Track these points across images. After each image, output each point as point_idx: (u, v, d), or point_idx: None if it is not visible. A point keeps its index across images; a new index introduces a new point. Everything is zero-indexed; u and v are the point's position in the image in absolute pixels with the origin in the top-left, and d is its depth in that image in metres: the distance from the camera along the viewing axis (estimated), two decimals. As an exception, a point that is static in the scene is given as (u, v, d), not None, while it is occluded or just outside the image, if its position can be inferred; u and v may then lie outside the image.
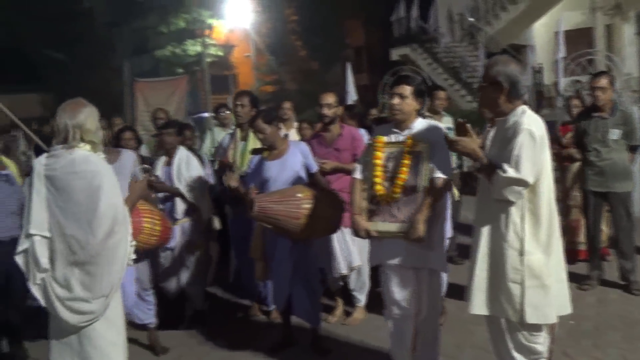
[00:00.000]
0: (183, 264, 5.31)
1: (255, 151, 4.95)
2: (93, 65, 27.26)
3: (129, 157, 4.66)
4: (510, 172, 3.01)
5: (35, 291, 3.17)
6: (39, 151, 6.36)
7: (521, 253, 3.09)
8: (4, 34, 27.16)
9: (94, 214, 3.14)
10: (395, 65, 17.90)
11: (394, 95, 3.71)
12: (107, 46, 28.91)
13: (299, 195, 4.25)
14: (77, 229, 3.14)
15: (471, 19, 18.88)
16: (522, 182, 3.02)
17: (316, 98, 5.35)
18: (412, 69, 14.92)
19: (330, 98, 5.05)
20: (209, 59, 24.86)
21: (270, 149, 4.68)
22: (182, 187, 5.24)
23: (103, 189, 3.18)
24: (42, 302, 3.17)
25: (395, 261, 3.68)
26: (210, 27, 25.06)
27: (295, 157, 4.62)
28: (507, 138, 3.11)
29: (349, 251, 5.06)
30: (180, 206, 5.28)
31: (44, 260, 3.14)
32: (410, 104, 3.69)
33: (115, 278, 3.22)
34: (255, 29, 25.69)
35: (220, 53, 25.09)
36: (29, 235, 3.14)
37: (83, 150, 3.22)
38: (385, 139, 3.78)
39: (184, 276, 5.32)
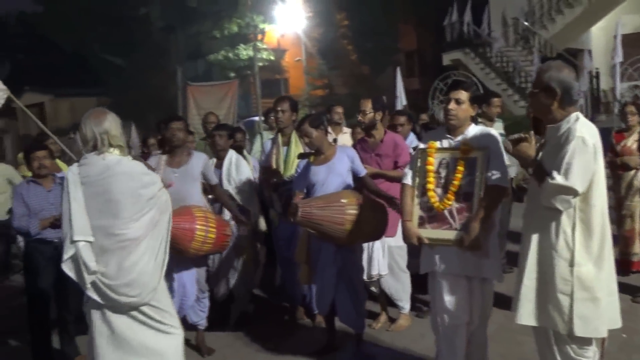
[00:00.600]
0: (231, 266, 5.39)
1: (301, 156, 4.98)
2: (149, 69, 27.94)
3: (199, 159, 4.77)
4: (559, 179, 2.94)
5: (91, 293, 3.32)
6: None
7: (571, 264, 3.01)
8: (69, 39, 28.11)
9: (134, 211, 3.33)
10: (446, 70, 17.73)
11: (449, 100, 3.68)
12: (163, 51, 29.53)
13: (343, 200, 4.25)
14: (119, 226, 3.30)
15: (525, 23, 18.50)
16: (571, 191, 2.94)
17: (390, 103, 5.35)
18: (463, 74, 14.74)
19: (365, 105, 5.03)
20: (260, 63, 25.05)
21: (317, 153, 4.70)
22: (231, 189, 5.33)
23: (141, 189, 3.39)
24: (98, 299, 3.31)
25: (448, 269, 3.64)
26: (262, 31, 25.28)
27: (342, 162, 4.62)
28: (559, 145, 3.04)
29: (373, 258, 5.01)
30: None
31: (92, 264, 3.27)
32: (466, 109, 3.65)
33: (158, 266, 3.40)
34: (306, 33, 25.81)
35: (271, 57, 25.26)
36: (74, 242, 3.27)
37: (114, 155, 3.39)
38: (437, 144, 3.73)
39: (232, 278, 5.40)
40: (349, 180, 4.63)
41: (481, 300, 3.65)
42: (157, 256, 3.42)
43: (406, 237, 3.72)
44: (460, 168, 3.58)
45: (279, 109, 5.40)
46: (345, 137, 6.92)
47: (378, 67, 25.68)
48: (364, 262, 4.89)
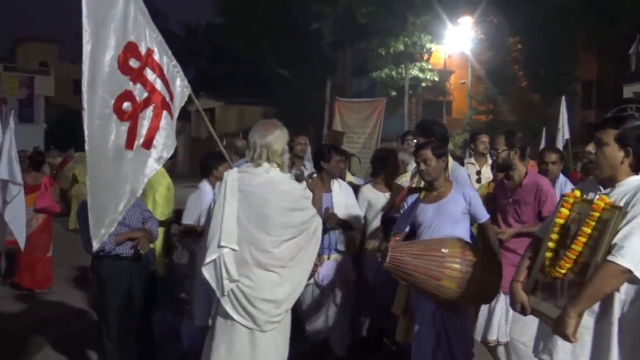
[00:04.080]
0: (335, 303, 4.85)
1: (412, 190, 4.35)
2: (315, 83, 28.53)
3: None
4: None
5: (224, 302, 3.27)
6: None
7: None
8: (244, 50, 29.57)
9: (283, 232, 3.30)
10: (627, 103, 15.90)
11: (593, 142, 2.82)
12: (330, 66, 30.02)
13: (445, 250, 3.54)
14: (269, 243, 3.27)
15: None
16: None
17: (536, 133, 4.59)
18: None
19: (498, 141, 4.27)
20: (424, 84, 24.51)
21: (429, 189, 4.05)
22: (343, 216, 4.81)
23: (295, 210, 3.37)
24: (230, 311, 3.26)
25: (543, 356, 2.86)
26: (429, 51, 24.67)
27: (457, 203, 3.91)
28: None
29: (493, 320, 4.19)
30: (340, 237, 4.85)
31: (234, 272, 3.23)
32: (612, 154, 2.71)
33: (299, 288, 3.43)
34: (475, 55, 24.75)
35: (435, 78, 24.55)
36: (220, 247, 3.23)
37: (277, 171, 3.38)
38: (580, 194, 2.86)
39: (333, 317, 4.85)
40: (465, 225, 3.93)
41: None
42: (296, 285, 3.41)
43: (510, 301, 2.96)
44: (586, 230, 2.66)
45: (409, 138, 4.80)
46: (489, 170, 6.15)
47: (550, 96, 23.90)
48: (482, 320, 4.12)
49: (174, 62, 3.67)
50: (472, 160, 7.10)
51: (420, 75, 23.97)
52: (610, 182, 2.78)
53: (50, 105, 36.78)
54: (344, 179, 5.93)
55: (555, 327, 2.67)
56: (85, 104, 3.10)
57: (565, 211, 2.84)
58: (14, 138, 6.01)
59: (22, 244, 6.46)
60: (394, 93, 23.62)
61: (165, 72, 3.59)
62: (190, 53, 47.81)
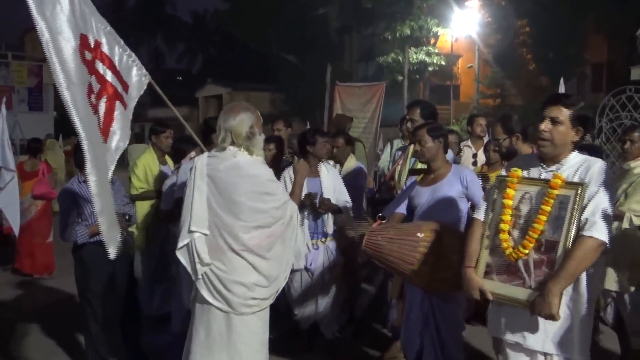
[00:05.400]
0: (323, 288, 4.83)
1: (413, 172, 4.29)
2: (322, 69, 28.25)
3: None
4: None
5: (199, 285, 3.29)
6: None
7: None
8: (251, 36, 29.46)
9: (255, 218, 3.27)
10: (635, 85, 15.65)
11: (543, 119, 2.83)
12: (337, 51, 29.80)
13: (420, 235, 3.43)
14: (237, 226, 3.24)
15: None
16: None
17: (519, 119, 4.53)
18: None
19: (497, 131, 4.19)
20: (430, 68, 24.29)
21: (427, 171, 3.98)
22: (334, 200, 4.78)
23: (267, 194, 3.32)
24: (205, 294, 3.27)
25: (515, 339, 2.82)
26: (435, 35, 24.40)
27: (453, 186, 3.83)
28: None
29: None
30: (330, 223, 4.81)
31: (205, 256, 3.23)
32: (565, 132, 2.78)
33: (279, 280, 3.40)
34: (481, 39, 24.47)
35: (442, 62, 24.28)
36: (191, 232, 3.24)
37: (245, 155, 3.31)
38: (523, 173, 2.89)
39: (322, 302, 4.83)
40: (461, 208, 3.84)
41: None
42: (273, 277, 3.37)
43: (465, 288, 2.91)
44: (546, 208, 2.70)
45: (409, 117, 4.76)
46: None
47: (559, 79, 23.60)
48: None
49: (128, 51, 3.65)
50: (469, 142, 7.04)
51: (427, 59, 23.73)
52: (554, 159, 2.84)
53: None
54: (342, 163, 5.90)
55: (536, 308, 2.65)
56: (70, 104, 2.97)
57: (511, 192, 2.87)
58: (5, 126, 6.02)
59: (16, 230, 6.51)
60: (400, 77, 23.42)
61: (116, 63, 3.56)
62: (198, 40, 47.85)
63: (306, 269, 4.75)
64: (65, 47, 3.06)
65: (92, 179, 3.02)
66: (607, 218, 2.63)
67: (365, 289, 6.27)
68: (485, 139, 6.63)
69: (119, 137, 3.50)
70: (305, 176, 4.07)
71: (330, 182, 4.77)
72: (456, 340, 3.75)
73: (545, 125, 2.80)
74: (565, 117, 2.77)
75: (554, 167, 2.84)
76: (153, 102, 31.54)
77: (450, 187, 3.83)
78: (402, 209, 4.04)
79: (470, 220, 3.07)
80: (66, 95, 2.94)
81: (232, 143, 3.31)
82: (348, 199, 4.85)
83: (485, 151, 5.54)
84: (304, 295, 4.81)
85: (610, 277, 4.23)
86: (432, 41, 24.61)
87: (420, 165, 4.55)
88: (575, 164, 2.81)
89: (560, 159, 2.84)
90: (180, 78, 47.75)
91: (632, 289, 4.17)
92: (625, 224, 4.10)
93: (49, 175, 7.98)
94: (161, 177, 5.65)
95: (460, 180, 3.85)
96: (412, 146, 4.82)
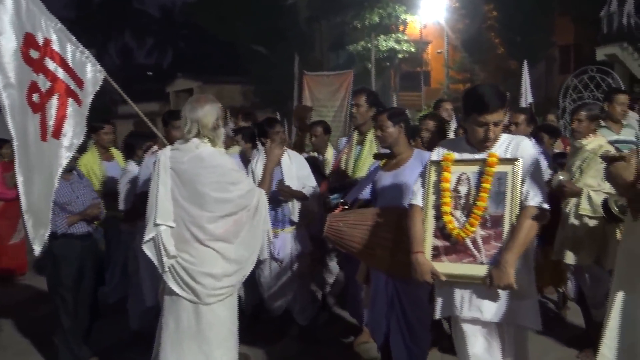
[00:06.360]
0: (291, 277, 4.85)
1: (377, 156, 4.31)
2: (292, 59, 28.16)
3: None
4: None
5: (167, 278, 3.34)
6: None
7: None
8: (220, 28, 29.25)
9: (220, 208, 3.32)
10: (601, 65, 15.89)
11: (487, 124, 2.92)
12: (307, 41, 29.73)
13: (379, 220, 3.48)
14: (203, 217, 3.29)
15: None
16: None
17: (515, 99, 4.57)
18: (604, 69, 12.85)
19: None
20: (400, 55, 24.38)
21: (390, 156, 4.01)
22: (295, 187, 4.78)
23: (229, 185, 3.37)
24: (173, 286, 3.32)
25: (472, 314, 2.89)
26: (404, 22, 24.49)
27: (415, 171, 3.78)
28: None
29: None
30: (296, 210, 4.83)
31: (171, 248, 3.28)
32: (502, 126, 2.99)
33: (246, 266, 3.48)
34: (450, 25, 24.61)
35: (412, 49, 24.37)
36: (156, 225, 3.29)
37: (208, 146, 3.35)
38: (455, 155, 2.99)
39: (291, 290, 4.86)
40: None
41: (515, 353, 2.91)
42: (241, 263, 3.44)
43: (417, 273, 2.97)
44: (487, 185, 2.83)
45: (354, 102, 4.77)
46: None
47: (527, 62, 23.82)
48: None
49: (81, 48, 3.65)
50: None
51: (397, 46, 23.81)
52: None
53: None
54: (322, 151, 5.91)
55: (494, 280, 2.73)
56: (5, 101, 3.04)
57: (447, 175, 2.97)
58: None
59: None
60: (370, 65, 23.46)
61: (68, 60, 3.56)
62: (167, 34, 47.32)
63: (274, 258, 4.78)
64: (5, 47, 3.06)
65: (19, 179, 3.07)
66: (543, 187, 2.80)
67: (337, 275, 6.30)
68: (453, 124, 6.70)
69: (72, 134, 3.53)
70: (276, 162, 4.11)
71: (293, 169, 4.78)
72: (422, 321, 3.78)
73: (492, 133, 2.89)
74: (504, 116, 2.95)
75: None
76: (123, 98, 31.17)
77: (412, 171, 3.83)
78: (366, 194, 4.08)
79: (409, 207, 3.11)
80: (2, 96, 2.98)
81: (197, 134, 3.35)
82: (314, 184, 4.85)
83: (456, 136, 5.60)
84: (274, 284, 4.83)
85: (569, 252, 4.33)
86: (401, 28, 24.69)
87: (367, 154, 4.61)
88: (503, 143, 2.95)
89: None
90: (151, 73, 47.25)
91: (591, 260, 4.28)
92: (583, 200, 4.20)
93: (8, 174, 7.71)
94: (105, 175, 5.61)
95: (423, 165, 3.88)
96: (356, 133, 4.87)
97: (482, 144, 2.93)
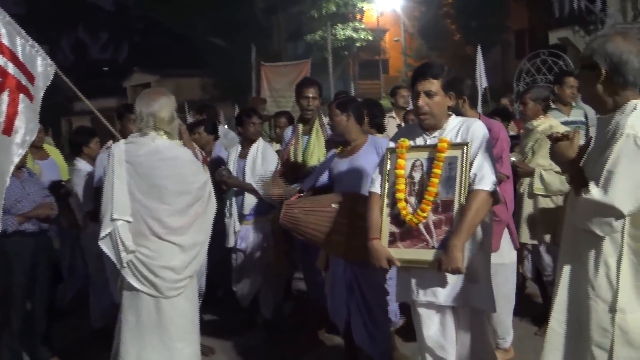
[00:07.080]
0: (255, 268, 4.86)
1: (330, 144, 4.33)
2: (250, 51, 27.94)
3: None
4: (596, 193, 2.13)
5: (125, 273, 3.29)
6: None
7: (612, 309, 2.21)
8: (176, 21, 28.84)
9: (179, 200, 3.31)
10: (554, 48, 16.19)
11: (418, 94, 2.94)
12: (265, 32, 29.54)
13: (334, 206, 3.51)
14: (161, 210, 3.28)
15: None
16: (612, 210, 2.12)
17: (472, 84, 4.61)
18: (555, 52, 13.17)
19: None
20: (358, 44, 24.46)
21: (345, 143, 4.03)
22: (254, 182, 4.76)
23: (189, 176, 3.37)
24: (132, 281, 3.29)
25: (427, 298, 2.93)
26: (361, 11, 24.57)
27: (369, 157, 3.85)
28: (605, 144, 2.22)
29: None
30: (249, 203, 4.82)
31: (129, 243, 3.25)
32: (441, 102, 2.93)
33: (200, 254, 3.47)
34: (406, 12, 24.77)
35: (369, 37, 24.49)
36: (113, 220, 3.24)
37: (164, 139, 3.33)
38: (410, 142, 3.03)
39: (256, 281, 4.86)
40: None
41: (472, 336, 2.95)
42: (196, 252, 3.43)
43: (374, 259, 3.00)
44: (437, 171, 2.85)
45: (311, 95, 4.75)
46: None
47: (484, 47, 24.10)
48: None
49: (31, 42, 3.55)
50: (393, 114, 7.15)
51: (354, 35, 23.89)
52: (436, 126, 2.99)
53: None
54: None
55: (443, 265, 2.76)
56: None
57: (402, 162, 2.99)
58: None
59: None
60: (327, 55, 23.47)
61: (19, 54, 3.46)
62: (122, 28, 46.40)
63: (238, 248, 4.78)
64: None
65: None
66: (492, 170, 2.81)
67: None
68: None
69: (24, 130, 3.42)
70: None
71: (257, 162, 4.79)
72: (381, 304, 3.83)
73: (422, 101, 2.91)
74: (437, 88, 2.90)
75: (436, 133, 2.98)
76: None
77: (366, 157, 3.88)
78: (323, 180, 4.09)
79: (369, 194, 3.14)
80: None
81: (154, 128, 3.32)
82: (273, 168, 4.83)
83: (404, 121, 5.65)
84: (240, 274, 4.88)
85: (525, 231, 4.43)
86: (358, 17, 24.79)
87: (315, 142, 4.65)
88: (455, 127, 2.96)
89: (442, 125, 2.99)
90: (107, 68, 46.31)
91: (547, 238, 4.39)
92: (536, 179, 4.32)
93: None
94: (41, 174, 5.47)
95: (377, 151, 3.89)
96: (300, 125, 4.88)
97: (420, 119, 2.96)
